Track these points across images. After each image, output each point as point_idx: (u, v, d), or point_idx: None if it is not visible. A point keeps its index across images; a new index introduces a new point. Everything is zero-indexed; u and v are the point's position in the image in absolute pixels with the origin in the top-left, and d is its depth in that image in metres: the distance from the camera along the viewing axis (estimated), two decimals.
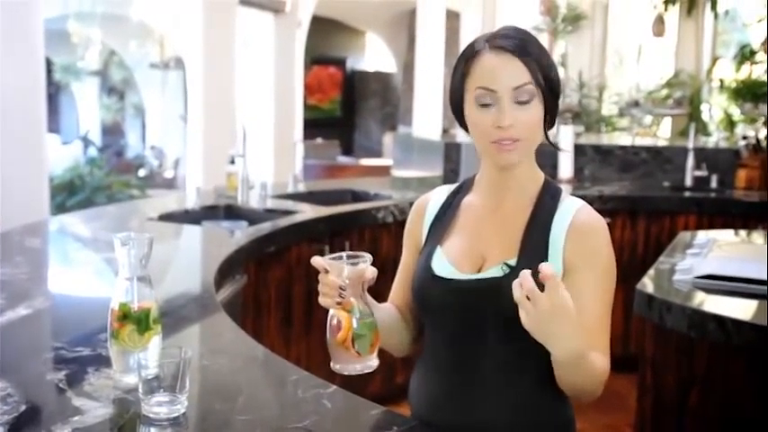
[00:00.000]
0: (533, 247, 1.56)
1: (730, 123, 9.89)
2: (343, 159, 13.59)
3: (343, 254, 1.51)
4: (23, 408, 1.48)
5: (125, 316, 1.56)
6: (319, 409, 1.53)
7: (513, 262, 1.55)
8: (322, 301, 1.49)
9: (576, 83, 10.65)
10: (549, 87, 1.55)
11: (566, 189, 1.48)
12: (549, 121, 1.58)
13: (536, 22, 10.53)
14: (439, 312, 1.63)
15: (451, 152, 5.15)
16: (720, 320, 2.27)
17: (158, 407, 1.45)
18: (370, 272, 1.49)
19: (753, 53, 9.68)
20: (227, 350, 1.91)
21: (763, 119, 9.07)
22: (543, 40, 10.94)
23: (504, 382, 1.56)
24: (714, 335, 2.30)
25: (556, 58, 11.00)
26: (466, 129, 1.63)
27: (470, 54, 1.57)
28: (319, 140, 13.37)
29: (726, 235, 3.65)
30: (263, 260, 3.30)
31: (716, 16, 10.33)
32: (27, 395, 1.54)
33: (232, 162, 3.99)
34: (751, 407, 2.34)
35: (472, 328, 1.58)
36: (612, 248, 1.59)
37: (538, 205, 1.60)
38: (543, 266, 1.32)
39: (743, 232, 3.86)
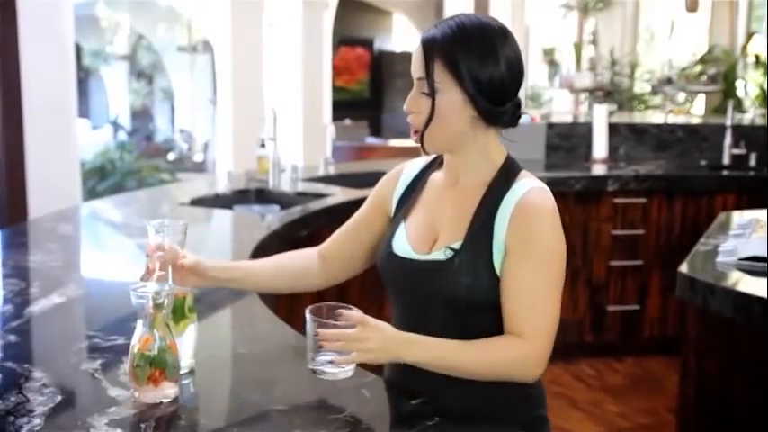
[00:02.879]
0: (480, 227, 1.56)
1: (766, 100, 9.72)
2: (371, 140, 13.53)
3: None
4: (59, 398, 1.46)
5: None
6: (358, 399, 1.50)
7: (456, 245, 1.56)
8: None
9: (607, 60, 10.51)
10: (476, 86, 1.52)
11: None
12: (485, 119, 1.56)
13: (566, 1, 10.39)
14: (394, 289, 1.69)
15: None
16: (766, 304, 2.21)
17: None
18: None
19: None
20: (262, 338, 1.88)
21: None
22: (573, 17, 10.81)
23: None
24: (759, 318, 2.24)
25: (586, 36, 10.86)
26: None
27: None
28: (347, 122, 13.33)
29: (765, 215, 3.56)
30: (296, 244, 3.26)
31: None
32: (62, 385, 1.52)
33: (263, 145, 3.95)
34: None
35: (419, 308, 1.62)
36: (560, 232, 1.54)
37: (490, 188, 1.59)
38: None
39: None
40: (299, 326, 2.02)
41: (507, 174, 1.59)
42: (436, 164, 1.72)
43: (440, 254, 1.57)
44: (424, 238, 1.63)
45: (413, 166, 1.76)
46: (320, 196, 3.68)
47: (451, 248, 1.56)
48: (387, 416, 1.52)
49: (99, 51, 14.65)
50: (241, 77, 6.85)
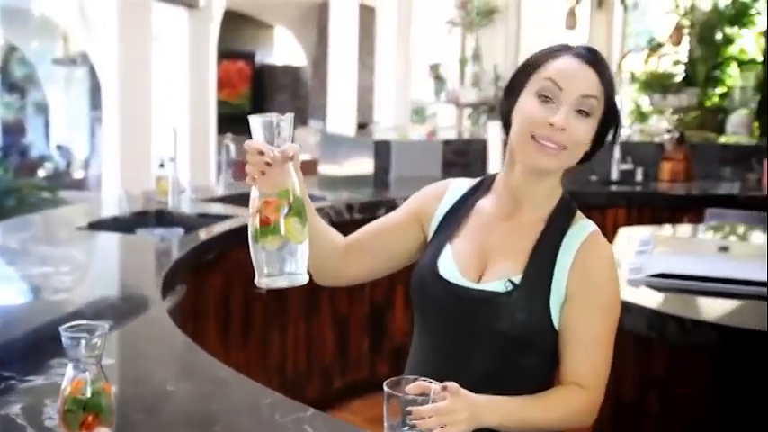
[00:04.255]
0: (539, 267, 1.53)
1: (641, 115, 10.09)
2: None
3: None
4: None
5: (290, 206, 1.33)
6: None
7: (516, 278, 1.51)
8: (247, 179, 1.33)
9: (491, 76, 10.70)
10: (611, 112, 1.52)
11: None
12: (596, 144, 1.56)
13: (450, 17, 10.53)
14: (434, 312, 1.60)
15: (381, 150, 5.09)
16: (680, 321, 2.27)
17: None
18: (293, 149, 1.33)
19: (660, 45, 9.89)
20: (192, 373, 1.81)
21: (670, 110, 9.31)
22: (456, 34, 10.96)
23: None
24: (674, 335, 2.30)
25: (469, 51, 11.04)
26: (506, 127, 1.58)
27: (547, 53, 1.54)
28: (230, 136, 13.15)
29: (662, 230, 3.68)
30: (201, 268, 3.19)
31: (625, 9, 10.52)
32: None
33: (161, 165, 3.84)
34: (711, 408, 2.35)
35: (462, 335, 1.56)
36: (618, 278, 1.57)
37: (550, 223, 1.57)
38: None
39: (685, 227, 3.91)
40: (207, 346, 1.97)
41: (566, 211, 1.58)
42: (482, 188, 1.67)
43: (498, 285, 1.52)
44: (473, 267, 1.57)
45: (458, 186, 1.69)
46: (223, 218, 3.60)
47: (512, 282, 1.51)
48: None
49: None
50: (128, 92, 6.64)
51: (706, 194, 4.78)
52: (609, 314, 1.54)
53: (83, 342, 1.35)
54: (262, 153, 1.29)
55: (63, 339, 1.35)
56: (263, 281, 1.34)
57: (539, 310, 1.50)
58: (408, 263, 1.73)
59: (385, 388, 1.30)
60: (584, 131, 1.49)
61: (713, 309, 2.41)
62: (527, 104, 1.50)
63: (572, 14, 9.49)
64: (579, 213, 1.60)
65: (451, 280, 1.57)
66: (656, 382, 2.47)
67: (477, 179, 1.70)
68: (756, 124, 8.47)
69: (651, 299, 2.45)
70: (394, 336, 4.30)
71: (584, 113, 1.48)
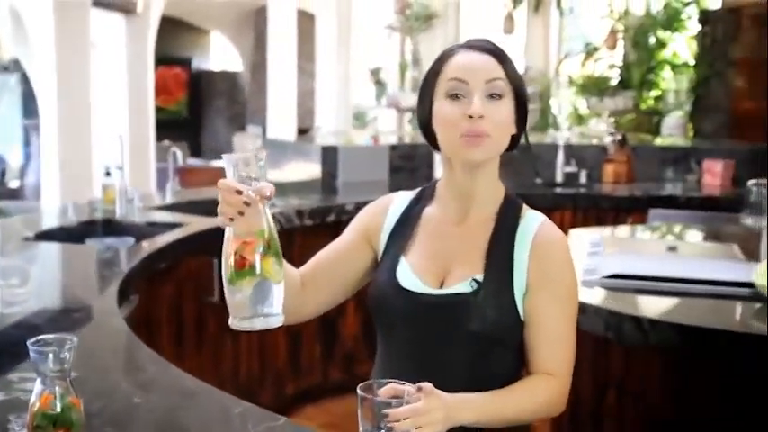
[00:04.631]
0: (498, 262, 1.55)
1: (578, 118, 10.25)
2: (193, 162, 13.25)
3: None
4: None
5: (269, 246, 1.31)
6: None
7: (479, 277, 1.52)
8: (222, 220, 1.30)
9: None
10: (521, 94, 1.55)
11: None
12: (519, 129, 1.57)
13: (390, 21, 10.57)
14: (402, 325, 1.59)
15: (328, 155, 5.07)
16: (637, 321, 2.31)
17: None
18: (269, 188, 1.31)
19: (595, 50, 10.06)
20: (157, 384, 1.78)
21: (607, 113, 9.48)
22: (396, 39, 11.00)
23: None
24: (631, 335, 2.33)
25: (408, 56, 11.09)
26: (432, 141, 1.60)
27: (442, 57, 1.57)
28: (167, 143, 13.00)
29: (611, 231, 3.75)
30: (154, 278, 3.14)
31: (561, 13, 10.68)
32: None
33: (108, 174, 3.77)
34: (668, 407, 2.39)
35: (433, 343, 1.56)
36: (573, 264, 1.58)
37: (500, 220, 1.59)
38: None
39: (631, 228, 3.97)
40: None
41: (512, 206, 1.61)
42: (425, 197, 1.67)
43: (463, 286, 1.53)
44: (433, 274, 1.58)
45: (401, 199, 1.70)
46: (173, 226, 3.55)
47: (476, 280, 1.52)
48: None
49: None
50: (66, 100, 6.52)
51: (649, 195, 4.87)
52: (570, 301, 1.57)
53: (51, 356, 1.32)
54: (239, 192, 1.27)
55: (31, 354, 1.32)
56: (238, 323, 1.32)
57: (506, 306, 1.52)
58: (364, 284, 1.71)
59: (358, 392, 1.28)
60: (502, 113, 1.52)
61: (668, 308, 2.45)
62: (441, 110, 1.53)
63: (510, 19, 9.60)
64: (525, 206, 1.63)
65: (415, 290, 1.57)
66: (614, 381, 2.51)
67: (418, 189, 1.71)
68: (690, 126, 8.68)
69: (607, 299, 2.49)
70: (345, 341, 4.30)
71: (496, 96, 1.51)
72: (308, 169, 5.18)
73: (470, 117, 1.49)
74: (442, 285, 1.57)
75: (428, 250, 1.61)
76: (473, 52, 1.54)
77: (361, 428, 1.28)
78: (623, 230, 3.76)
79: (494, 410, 1.46)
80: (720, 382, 2.36)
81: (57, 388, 1.33)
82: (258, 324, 1.31)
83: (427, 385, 1.35)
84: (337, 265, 1.67)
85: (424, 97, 1.58)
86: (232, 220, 1.28)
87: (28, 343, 1.31)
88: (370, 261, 1.69)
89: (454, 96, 1.51)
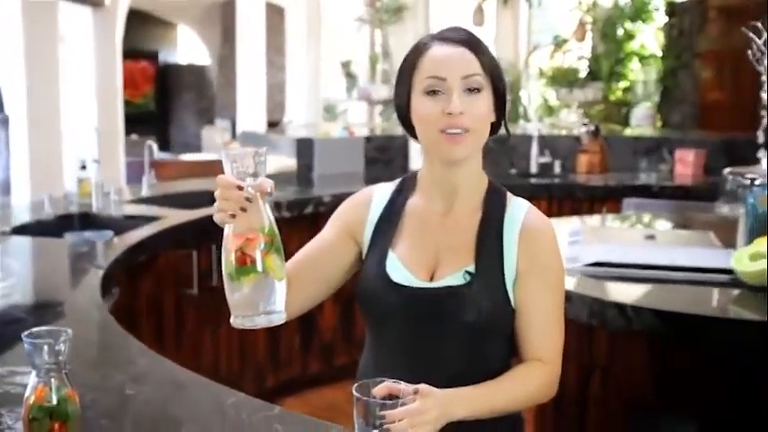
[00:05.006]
0: (488, 253, 1.55)
1: (548, 109, 10.31)
2: (162, 155, 13.15)
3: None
4: None
5: (271, 242, 1.30)
6: None
7: (471, 268, 1.53)
8: (222, 216, 1.29)
9: None
10: (498, 83, 1.54)
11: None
12: (499, 118, 1.57)
13: (360, 14, 10.55)
14: (395, 319, 1.57)
15: (304, 147, 5.06)
16: (621, 307, 2.33)
17: None
18: (269, 184, 1.29)
19: (564, 41, 10.12)
20: (149, 376, 1.77)
21: (576, 104, 9.55)
22: (366, 31, 11.00)
23: None
24: (615, 322, 2.36)
25: (378, 49, 11.08)
26: (411, 133, 1.59)
27: (417, 50, 1.55)
28: (134, 137, 12.90)
29: (588, 220, 3.78)
30: (134, 271, 3.12)
31: (530, 5, 10.73)
32: None
33: (83, 167, 3.74)
34: (651, 393, 2.42)
35: (427, 336, 1.55)
36: (560, 249, 1.59)
37: (486, 209, 1.59)
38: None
39: (608, 216, 4.00)
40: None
41: (497, 195, 1.60)
42: (406, 188, 1.66)
43: (455, 278, 1.52)
44: (424, 267, 1.56)
45: (382, 192, 1.68)
46: (150, 219, 3.53)
47: (469, 272, 1.52)
48: None
49: None
50: (35, 94, 6.44)
51: (623, 185, 4.92)
52: (559, 287, 1.59)
53: (46, 348, 1.31)
54: (240, 189, 1.26)
55: (26, 346, 1.30)
56: (241, 321, 1.31)
57: (499, 295, 1.53)
58: (348, 278, 1.69)
59: (354, 393, 1.27)
60: (481, 107, 1.51)
61: (650, 294, 2.48)
62: (420, 106, 1.52)
63: (479, 11, 9.62)
64: (509, 194, 1.63)
65: (407, 284, 1.56)
66: (598, 367, 2.53)
67: (398, 181, 1.70)
68: (658, 116, 8.77)
69: (590, 287, 2.51)
70: (323, 333, 4.29)
71: (474, 90, 1.50)
72: (281, 162, 5.17)
73: (450, 114, 1.48)
74: (432, 278, 1.56)
75: (416, 243, 1.60)
76: (448, 45, 1.52)
77: (356, 428, 1.28)
78: (599, 219, 3.79)
79: (487, 403, 1.46)
80: (702, 366, 2.40)
81: (52, 380, 1.32)
82: (261, 322, 1.31)
83: (424, 387, 1.34)
84: (321, 263, 1.64)
85: (401, 90, 1.56)
86: (233, 216, 1.27)
87: (23, 335, 1.30)
88: (354, 256, 1.67)
89: (432, 92, 1.50)
